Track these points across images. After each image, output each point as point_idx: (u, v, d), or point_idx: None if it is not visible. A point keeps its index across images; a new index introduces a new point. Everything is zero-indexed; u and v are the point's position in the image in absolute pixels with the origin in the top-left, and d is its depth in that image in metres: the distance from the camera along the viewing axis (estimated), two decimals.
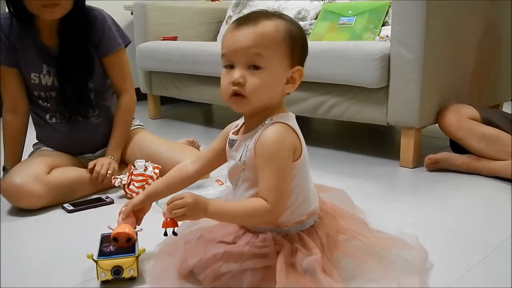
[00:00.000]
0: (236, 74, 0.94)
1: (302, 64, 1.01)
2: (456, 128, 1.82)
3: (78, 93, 1.62)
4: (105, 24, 1.65)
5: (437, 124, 1.92)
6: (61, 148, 1.68)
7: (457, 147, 1.88)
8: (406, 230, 1.18)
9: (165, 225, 0.96)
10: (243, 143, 1.01)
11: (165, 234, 0.98)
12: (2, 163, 1.63)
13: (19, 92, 1.61)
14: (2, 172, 1.54)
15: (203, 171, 1.16)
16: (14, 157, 1.64)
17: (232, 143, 1.04)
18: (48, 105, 1.65)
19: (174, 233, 0.98)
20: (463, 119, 1.82)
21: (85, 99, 1.64)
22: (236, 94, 0.95)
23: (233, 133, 1.06)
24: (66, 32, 1.57)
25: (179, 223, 0.98)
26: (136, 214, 1.15)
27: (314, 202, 1.06)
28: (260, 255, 0.98)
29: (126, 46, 1.73)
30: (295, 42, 0.97)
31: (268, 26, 0.95)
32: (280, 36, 0.95)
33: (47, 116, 1.65)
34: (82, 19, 1.58)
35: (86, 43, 1.61)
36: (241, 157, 1.00)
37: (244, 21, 0.96)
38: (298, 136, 0.99)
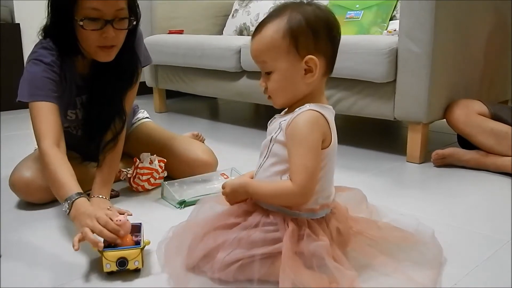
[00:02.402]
0: (260, 80, 1.06)
1: (322, 51, 1.01)
2: (465, 124, 1.81)
3: (103, 121, 1.49)
4: (141, 43, 1.56)
5: (444, 119, 1.90)
6: (69, 148, 1.64)
7: (465, 143, 1.86)
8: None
9: None
10: (278, 121, 1.05)
11: None
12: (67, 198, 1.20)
13: (58, 126, 1.36)
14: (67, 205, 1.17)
15: None
16: (75, 182, 1.24)
17: (271, 120, 1.10)
18: (73, 132, 1.58)
19: None
20: (471, 114, 1.81)
21: (107, 127, 1.51)
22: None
23: (277, 114, 1.11)
24: (105, 65, 1.44)
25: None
26: None
27: (330, 196, 1.07)
28: (269, 240, 0.99)
29: (144, 66, 1.61)
30: (297, 35, 0.99)
31: (268, 30, 1.01)
32: (279, 35, 0.99)
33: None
34: (123, 58, 1.45)
35: (122, 81, 1.50)
36: (274, 133, 1.04)
37: (255, 30, 1.04)
38: (329, 126, 1.02)
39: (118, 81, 1.49)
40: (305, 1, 1.03)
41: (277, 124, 1.04)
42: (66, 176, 1.24)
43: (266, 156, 1.06)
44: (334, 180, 1.10)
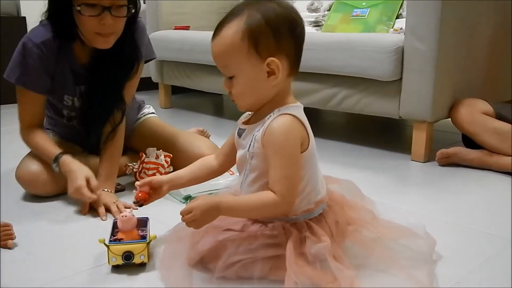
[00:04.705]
0: (223, 84, 1.03)
1: (284, 51, 0.96)
2: (469, 123, 1.81)
3: (102, 112, 1.51)
4: (143, 36, 1.56)
5: (449, 118, 1.90)
6: (71, 141, 1.64)
7: (469, 142, 1.86)
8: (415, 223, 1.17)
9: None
10: (250, 133, 1.02)
11: None
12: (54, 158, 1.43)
13: (38, 115, 1.51)
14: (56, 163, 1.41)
15: (226, 166, 1.18)
16: (53, 147, 1.46)
17: (240, 132, 1.06)
18: (73, 123, 1.60)
19: None
20: (476, 113, 1.81)
21: (106, 118, 1.52)
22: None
23: (243, 123, 1.07)
24: (105, 55, 1.46)
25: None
26: (150, 193, 1.16)
27: (322, 190, 1.07)
28: (271, 244, 0.99)
29: (147, 61, 1.64)
30: (256, 36, 0.94)
31: (227, 31, 0.97)
32: (238, 37, 0.95)
33: (65, 120, 1.60)
34: (126, 46, 1.46)
35: (121, 71, 1.51)
36: (249, 147, 1.01)
37: (214, 32, 1.00)
38: (305, 127, 1.00)
39: (117, 71, 1.49)
40: None
41: (250, 138, 1.01)
42: (46, 143, 1.47)
43: (247, 173, 1.03)
44: (334, 176, 1.10)
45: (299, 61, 1.01)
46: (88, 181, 1.35)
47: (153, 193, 1.16)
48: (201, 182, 1.20)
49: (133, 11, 1.40)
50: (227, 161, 1.16)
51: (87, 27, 1.35)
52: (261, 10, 0.95)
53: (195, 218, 0.96)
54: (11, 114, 2.80)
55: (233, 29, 0.95)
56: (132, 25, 1.46)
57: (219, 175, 1.20)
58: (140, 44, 1.53)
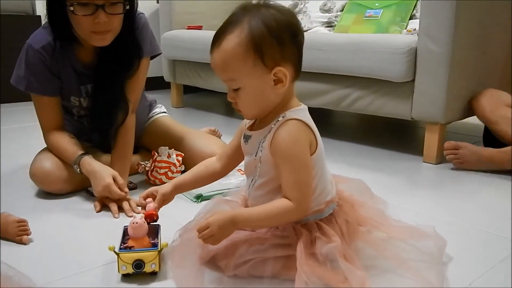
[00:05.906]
0: (228, 95, 1.01)
1: (289, 59, 0.96)
2: (491, 110, 1.79)
3: (105, 110, 1.52)
4: (146, 32, 1.54)
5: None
6: (82, 139, 1.64)
7: (489, 141, 1.84)
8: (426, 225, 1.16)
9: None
10: (257, 139, 1.02)
11: None
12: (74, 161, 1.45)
13: (58, 116, 1.53)
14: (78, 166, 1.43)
15: (229, 168, 1.18)
16: (72, 148, 1.48)
17: (247, 138, 1.06)
18: (83, 121, 1.62)
19: None
20: (499, 102, 1.81)
21: (109, 116, 1.53)
22: None
23: (248, 128, 1.07)
24: (106, 54, 1.46)
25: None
26: (156, 210, 1.16)
27: (331, 191, 1.07)
28: (281, 245, 1.00)
29: (153, 57, 1.63)
30: (261, 47, 0.93)
31: (229, 43, 0.94)
32: (242, 48, 0.93)
33: (75, 118, 1.63)
34: (125, 43, 1.46)
35: (127, 69, 1.51)
36: (256, 153, 1.02)
37: (213, 42, 0.98)
38: (312, 130, 1.00)
39: (117, 69, 1.49)
40: (263, 1, 0.98)
41: (257, 144, 1.01)
42: (67, 144, 1.48)
43: (255, 177, 1.04)
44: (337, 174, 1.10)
45: (301, 64, 1.01)
46: (114, 179, 1.38)
47: (160, 203, 1.17)
48: (205, 185, 1.22)
49: (127, 7, 1.38)
50: (230, 163, 1.17)
51: (82, 27, 1.35)
52: (262, 18, 0.93)
53: (213, 234, 0.96)
54: (24, 112, 2.84)
55: (235, 40, 0.93)
56: (130, 21, 1.45)
57: (222, 177, 1.20)
58: (141, 40, 1.52)
